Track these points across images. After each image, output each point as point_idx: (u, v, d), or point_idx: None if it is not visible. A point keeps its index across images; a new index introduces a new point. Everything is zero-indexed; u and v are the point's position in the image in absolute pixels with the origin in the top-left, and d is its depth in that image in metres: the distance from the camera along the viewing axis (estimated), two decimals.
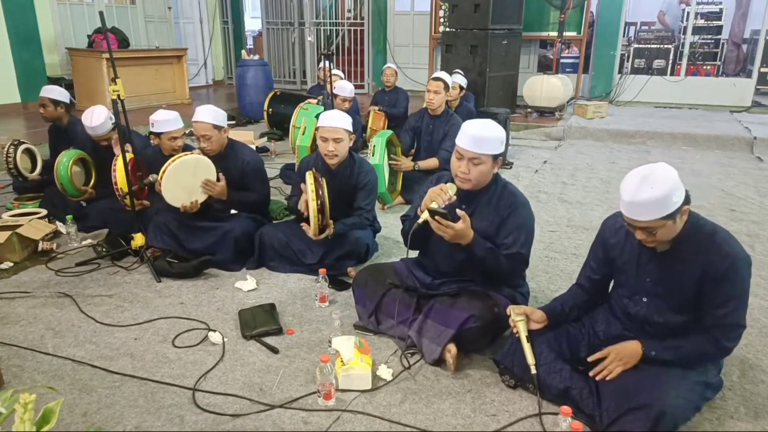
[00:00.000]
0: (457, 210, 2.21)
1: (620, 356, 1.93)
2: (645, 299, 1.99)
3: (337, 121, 2.99)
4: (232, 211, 3.36)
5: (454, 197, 2.27)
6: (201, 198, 3.18)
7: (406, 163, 4.34)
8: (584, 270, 2.24)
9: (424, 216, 2.23)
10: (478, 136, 2.23)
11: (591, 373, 1.95)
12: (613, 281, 2.18)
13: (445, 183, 2.34)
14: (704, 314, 1.87)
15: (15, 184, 4.49)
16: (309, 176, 2.92)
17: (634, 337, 2.01)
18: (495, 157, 2.28)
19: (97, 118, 3.59)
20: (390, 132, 4.31)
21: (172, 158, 3.12)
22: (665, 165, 1.78)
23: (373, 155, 4.06)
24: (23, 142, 4.16)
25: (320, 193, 2.88)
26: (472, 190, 2.33)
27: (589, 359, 1.99)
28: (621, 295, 2.09)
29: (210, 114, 3.19)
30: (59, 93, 4.05)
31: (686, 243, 1.86)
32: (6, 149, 4.09)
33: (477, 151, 2.23)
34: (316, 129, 3.08)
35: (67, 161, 3.62)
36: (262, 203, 3.48)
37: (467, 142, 2.24)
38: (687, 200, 1.79)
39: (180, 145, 3.42)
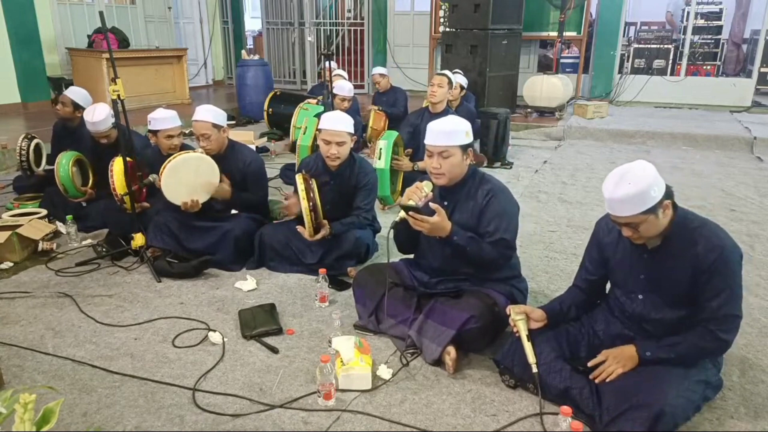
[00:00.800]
0: (431, 203, 2.26)
1: (617, 359, 1.94)
2: (641, 296, 2.00)
3: (340, 124, 2.99)
4: (233, 211, 3.36)
5: (431, 194, 2.32)
6: (202, 198, 3.18)
7: (406, 164, 4.34)
8: (580, 271, 2.25)
9: (401, 214, 2.28)
10: (442, 129, 2.32)
11: (591, 376, 1.95)
12: (609, 281, 2.18)
13: (421, 181, 2.38)
14: (699, 308, 1.88)
15: (16, 184, 4.50)
16: (298, 178, 2.93)
17: (634, 335, 2.02)
18: (464, 148, 2.34)
19: (99, 114, 3.61)
20: (396, 134, 4.30)
21: (173, 155, 3.13)
22: (643, 162, 1.83)
23: (379, 159, 4.05)
24: (35, 137, 4.23)
25: (311, 194, 2.89)
26: (448, 185, 2.37)
27: (589, 364, 1.99)
28: (618, 294, 2.10)
29: (210, 113, 3.20)
30: (84, 98, 4.11)
31: (675, 238, 1.89)
32: (20, 142, 4.15)
33: (444, 144, 2.30)
34: (318, 130, 3.08)
35: (66, 162, 3.63)
36: (261, 204, 3.49)
37: (433, 138, 2.33)
38: (668, 195, 1.82)
39: (176, 144, 3.42)
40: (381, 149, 4.07)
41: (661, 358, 1.89)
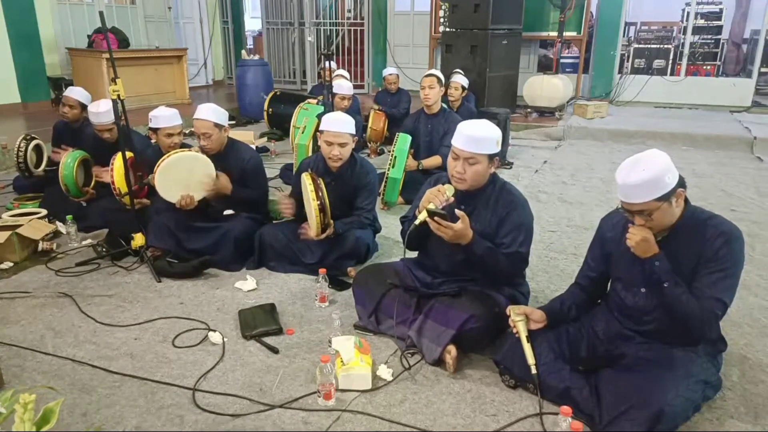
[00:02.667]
0: (456, 210, 2.21)
1: (639, 234, 1.84)
2: (643, 290, 1.99)
3: (342, 125, 2.99)
4: (227, 212, 3.34)
5: (452, 198, 2.27)
6: (198, 195, 3.18)
7: (410, 163, 4.34)
8: (582, 269, 2.26)
9: (422, 217, 2.23)
10: (473, 135, 2.24)
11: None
12: (611, 277, 2.18)
13: (443, 184, 2.34)
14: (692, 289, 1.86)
15: (16, 184, 4.50)
16: (306, 177, 2.92)
17: (635, 334, 2.02)
18: (491, 157, 2.29)
19: (104, 106, 3.65)
20: (409, 138, 4.29)
21: (168, 153, 3.13)
22: (657, 150, 1.83)
23: (393, 167, 4.02)
24: (35, 138, 4.23)
25: (320, 193, 2.88)
26: (468, 190, 2.33)
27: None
28: (618, 289, 2.09)
29: (212, 112, 3.20)
30: (86, 97, 4.14)
31: (684, 229, 1.89)
32: (18, 142, 4.16)
33: (473, 151, 2.24)
34: (320, 132, 3.07)
35: (71, 162, 3.63)
36: (260, 200, 3.48)
37: (463, 142, 2.25)
38: (681, 183, 1.82)
39: (176, 142, 3.42)
40: (396, 157, 4.03)
41: (663, 277, 1.83)
